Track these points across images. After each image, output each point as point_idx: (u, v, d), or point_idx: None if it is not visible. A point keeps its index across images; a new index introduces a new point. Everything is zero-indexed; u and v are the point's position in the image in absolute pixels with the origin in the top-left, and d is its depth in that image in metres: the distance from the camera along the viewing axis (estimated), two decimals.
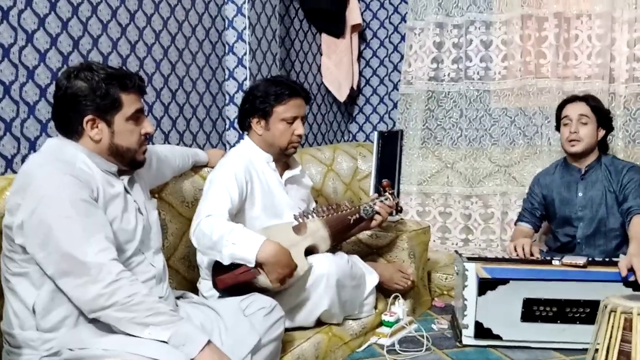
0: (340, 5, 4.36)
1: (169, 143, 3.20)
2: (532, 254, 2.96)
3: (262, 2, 3.60)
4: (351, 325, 2.72)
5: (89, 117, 1.87)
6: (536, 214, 3.27)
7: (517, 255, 2.97)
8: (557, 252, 3.21)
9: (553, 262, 2.79)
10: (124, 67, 2.85)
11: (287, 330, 2.30)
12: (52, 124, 2.03)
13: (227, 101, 3.62)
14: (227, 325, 2.04)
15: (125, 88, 1.91)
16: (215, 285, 2.42)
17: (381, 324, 2.86)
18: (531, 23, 3.89)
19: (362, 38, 4.68)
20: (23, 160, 2.43)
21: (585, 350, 2.33)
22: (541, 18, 3.88)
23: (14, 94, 2.44)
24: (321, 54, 4.50)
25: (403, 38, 4.45)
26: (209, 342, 1.77)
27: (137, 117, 1.96)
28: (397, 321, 2.86)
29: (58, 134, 1.94)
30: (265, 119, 2.64)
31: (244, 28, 3.53)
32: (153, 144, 2.88)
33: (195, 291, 2.54)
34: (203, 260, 2.55)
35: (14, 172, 2.39)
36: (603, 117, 3.14)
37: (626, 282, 2.62)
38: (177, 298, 2.18)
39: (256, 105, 2.64)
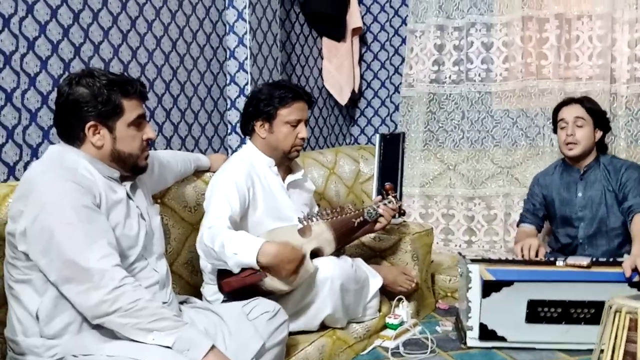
0: (340, 9, 4.36)
1: (171, 148, 3.20)
2: (536, 255, 2.95)
3: (262, 6, 3.61)
4: (355, 329, 2.71)
5: (91, 123, 1.87)
6: (538, 214, 3.27)
7: (523, 256, 2.96)
8: (559, 252, 3.20)
9: (557, 263, 2.78)
10: (125, 73, 2.84)
11: (290, 334, 2.29)
12: (54, 130, 2.03)
13: (228, 106, 3.62)
14: (230, 329, 2.04)
15: (127, 94, 1.92)
16: (221, 288, 2.42)
17: (385, 326, 2.86)
18: (532, 24, 3.88)
19: (363, 41, 4.68)
20: (25, 167, 2.43)
21: (591, 351, 2.32)
22: (542, 19, 3.88)
23: (16, 101, 2.45)
24: (322, 58, 4.50)
25: (404, 41, 4.45)
26: (213, 347, 1.77)
27: (138, 122, 1.96)
28: (401, 324, 2.85)
29: (60, 140, 1.94)
30: (269, 121, 2.64)
31: (245, 33, 3.54)
32: (155, 149, 2.88)
33: (199, 296, 2.54)
34: (207, 265, 2.55)
35: (17, 179, 2.39)
36: (599, 118, 3.14)
37: (631, 283, 2.61)
38: (181, 303, 2.18)
39: (260, 109, 2.64)
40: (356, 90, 4.62)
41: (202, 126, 3.45)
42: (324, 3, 4.24)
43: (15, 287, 1.81)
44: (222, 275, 2.39)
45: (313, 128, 4.35)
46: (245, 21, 3.52)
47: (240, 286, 2.32)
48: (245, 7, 3.51)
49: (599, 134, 3.13)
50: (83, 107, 1.86)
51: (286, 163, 2.77)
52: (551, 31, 3.83)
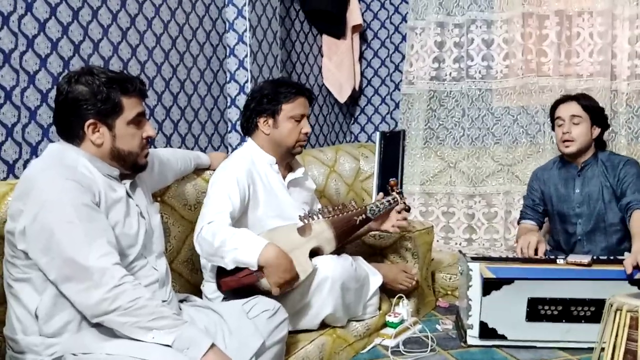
0: (340, 7, 4.36)
1: (170, 146, 3.20)
2: (537, 252, 2.95)
3: (262, 4, 3.60)
4: (355, 327, 2.71)
5: (90, 121, 1.87)
6: (538, 209, 3.27)
7: (523, 254, 2.95)
8: (558, 249, 3.21)
9: (558, 261, 2.77)
10: (125, 71, 2.84)
11: (290, 332, 2.29)
12: (53, 128, 2.03)
13: (228, 104, 3.62)
14: (230, 328, 2.03)
15: (127, 92, 1.91)
16: (219, 287, 2.42)
17: (385, 325, 2.85)
18: (532, 21, 3.88)
19: (363, 39, 4.68)
20: (25, 166, 2.43)
21: (591, 349, 2.32)
22: (542, 16, 3.87)
23: (15, 99, 2.44)
24: (322, 56, 4.49)
25: (404, 38, 4.44)
26: (213, 345, 1.76)
27: (138, 120, 1.95)
28: (401, 322, 2.85)
29: (59, 138, 1.94)
30: (274, 117, 2.65)
31: (245, 30, 3.53)
32: (155, 147, 2.87)
33: (199, 294, 2.54)
34: (207, 263, 2.54)
35: (16, 177, 2.39)
36: (597, 115, 3.13)
37: (631, 280, 2.61)
38: (181, 301, 2.18)
39: (264, 104, 2.65)
40: (356, 87, 4.61)
41: (202, 124, 3.44)
42: (324, 0, 4.23)
43: (15, 286, 1.81)
44: (220, 274, 2.39)
45: (313, 126, 4.34)
46: (245, 18, 3.52)
47: (237, 286, 2.32)
48: (245, 5, 3.50)
49: (596, 130, 3.13)
50: (82, 105, 1.86)
51: (289, 159, 2.77)
52: (551, 28, 3.83)
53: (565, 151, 3.13)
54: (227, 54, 3.59)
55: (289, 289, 2.37)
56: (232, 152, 3.32)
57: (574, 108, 3.11)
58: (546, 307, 2.67)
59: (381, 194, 2.89)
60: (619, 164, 3.08)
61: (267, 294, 2.30)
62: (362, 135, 4.81)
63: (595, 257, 2.79)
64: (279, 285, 2.30)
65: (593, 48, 3.79)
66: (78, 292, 1.72)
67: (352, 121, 4.83)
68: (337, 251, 2.62)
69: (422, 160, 4.15)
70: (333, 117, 4.60)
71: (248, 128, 2.73)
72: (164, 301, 1.94)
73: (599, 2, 3.74)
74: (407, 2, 4.33)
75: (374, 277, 2.78)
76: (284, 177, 2.74)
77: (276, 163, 2.70)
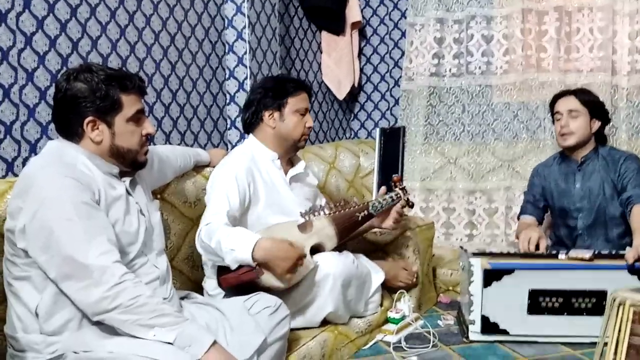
0: (339, 3, 4.34)
1: (170, 143, 3.19)
2: (538, 248, 2.95)
3: (261, 0, 3.59)
4: (357, 323, 2.71)
5: (89, 118, 1.86)
6: (538, 205, 3.27)
7: (524, 250, 2.95)
8: (559, 244, 3.21)
9: (559, 256, 2.77)
10: (123, 68, 2.84)
11: (292, 329, 2.28)
12: (52, 126, 2.02)
13: (227, 101, 3.61)
14: (232, 325, 2.03)
15: (126, 89, 1.90)
16: (220, 285, 2.42)
17: (387, 321, 2.85)
18: (532, 17, 3.86)
19: (362, 35, 4.66)
20: (24, 163, 2.42)
21: (594, 344, 2.31)
22: (541, 12, 3.86)
23: (14, 96, 2.43)
24: (321, 52, 4.48)
25: (403, 34, 4.43)
26: (215, 342, 1.76)
27: (137, 118, 1.95)
28: (403, 318, 2.84)
29: (58, 136, 1.93)
30: (280, 110, 2.65)
31: (244, 27, 3.52)
32: (154, 144, 2.86)
33: (200, 291, 2.53)
34: (208, 260, 2.54)
35: (15, 175, 2.38)
36: (596, 109, 3.13)
37: (631, 270, 2.62)
38: (181, 299, 2.17)
39: (270, 98, 2.65)
40: (355, 84, 4.60)
41: (202, 121, 3.43)
42: None
43: (15, 284, 1.80)
44: (220, 271, 2.39)
45: (313, 122, 4.32)
46: (244, 15, 3.51)
47: (237, 283, 2.32)
48: (243, 1, 3.49)
49: (596, 124, 3.12)
50: (81, 102, 1.85)
51: (291, 155, 2.78)
52: (551, 23, 3.82)
53: (563, 144, 3.13)
54: (226, 51, 3.58)
55: (298, 278, 2.36)
56: (231, 149, 3.31)
57: (571, 102, 3.12)
58: (547, 299, 2.68)
59: (383, 188, 2.85)
60: (620, 159, 3.07)
61: (269, 290, 2.29)
62: (362, 132, 4.80)
63: (596, 252, 2.78)
64: (285, 273, 2.28)
65: (593, 43, 3.77)
66: (78, 290, 1.72)
67: (351, 117, 4.82)
68: (339, 248, 2.62)
69: (423, 157, 4.14)
70: (333, 114, 4.59)
71: (252, 123, 2.72)
72: (164, 299, 1.93)
73: None
74: None
75: (376, 274, 2.78)
76: (286, 173, 2.73)
77: (278, 159, 2.70)
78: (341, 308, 2.55)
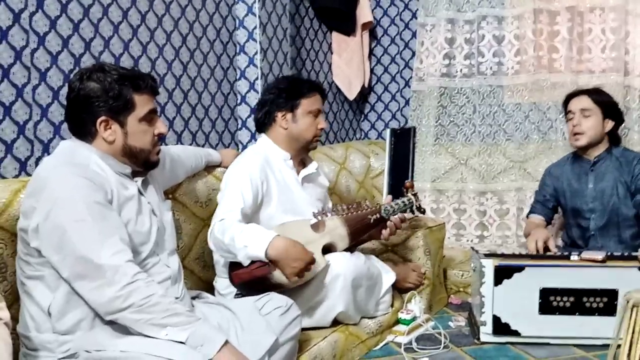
0: (350, 4, 4.34)
1: (181, 143, 3.19)
2: (548, 249, 2.94)
3: (272, 1, 3.59)
4: (368, 324, 2.70)
5: (102, 118, 1.86)
6: (548, 205, 3.25)
7: (532, 251, 2.94)
8: (571, 245, 3.19)
9: (571, 257, 2.76)
10: (136, 68, 2.85)
11: (303, 329, 2.28)
12: (65, 126, 2.02)
13: (239, 101, 3.61)
14: (243, 325, 2.03)
15: (138, 89, 1.90)
16: (231, 280, 2.42)
17: (398, 322, 2.84)
18: (543, 17, 3.85)
19: (373, 35, 4.66)
20: (37, 163, 2.43)
21: (606, 346, 2.30)
22: (553, 12, 3.84)
23: (27, 96, 2.44)
24: (332, 52, 4.48)
25: (414, 35, 4.42)
26: (227, 342, 1.76)
27: (150, 117, 1.95)
28: (414, 319, 2.84)
29: (71, 135, 1.94)
30: (292, 111, 2.65)
31: (255, 27, 3.53)
32: (166, 144, 2.87)
33: (211, 291, 2.53)
34: (219, 259, 2.54)
35: (28, 174, 2.39)
36: (609, 109, 3.10)
37: None
38: (193, 298, 2.17)
39: (283, 99, 2.65)
40: (366, 84, 4.60)
41: (213, 121, 3.44)
42: None
43: (28, 283, 1.81)
44: (232, 267, 2.39)
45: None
46: (255, 16, 3.51)
47: (249, 279, 2.32)
48: (255, 2, 3.50)
49: (609, 124, 3.10)
50: (94, 102, 1.85)
51: (303, 155, 2.77)
52: (563, 24, 3.80)
53: (575, 144, 3.12)
54: (237, 52, 3.58)
55: (309, 277, 2.37)
56: (242, 149, 3.31)
57: (584, 101, 3.10)
58: (558, 299, 2.67)
59: (389, 196, 2.83)
60: (634, 160, 3.06)
61: (280, 287, 2.30)
62: (372, 133, 4.79)
63: (609, 254, 2.77)
64: (295, 274, 2.29)
65: (605, 44, 3.75)
66: (91, 289, 1.72)
67: (362, 118, 4.81)
68: (350, 249, 2.62)
69: (433, 157, 4.13)
70: (343, 114, 4.59)
71: (264, 123, 2.72)
72: (176, 298, 1.94)
73: None
74: None
75: (387, 275, 2.77)
76: (298, 173, 2.74)
77: (291, 159, 2.70)
78: (352, 308, 2.55)
